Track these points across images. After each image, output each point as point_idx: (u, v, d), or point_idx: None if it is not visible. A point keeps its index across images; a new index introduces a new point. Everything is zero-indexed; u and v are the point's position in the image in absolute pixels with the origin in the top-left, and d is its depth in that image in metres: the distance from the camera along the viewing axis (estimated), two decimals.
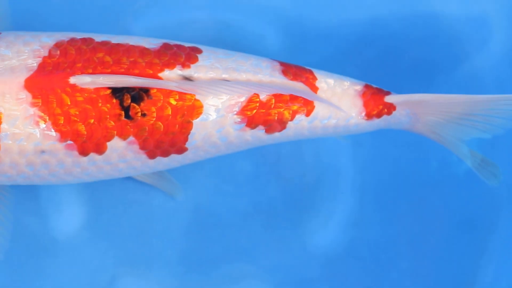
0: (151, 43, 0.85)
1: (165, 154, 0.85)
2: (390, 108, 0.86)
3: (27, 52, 0.82)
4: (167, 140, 0.84)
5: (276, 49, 0.98)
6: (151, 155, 0.84)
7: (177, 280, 0.95)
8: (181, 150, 0.85)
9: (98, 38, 0.85)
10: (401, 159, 1.02)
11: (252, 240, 0.97)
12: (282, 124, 0.84)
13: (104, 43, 0.84)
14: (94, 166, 0.84)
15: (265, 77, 0.84)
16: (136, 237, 0.95)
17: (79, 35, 0.85)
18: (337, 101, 0.85)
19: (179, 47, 0.86)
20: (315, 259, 0.97)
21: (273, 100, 0.83)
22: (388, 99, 0.85)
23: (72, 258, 0.94)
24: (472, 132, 0.88)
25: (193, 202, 0.97)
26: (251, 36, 0.97)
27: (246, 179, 0.98)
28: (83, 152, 0.82)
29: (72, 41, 0.83)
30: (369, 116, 0.85)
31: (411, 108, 0.86)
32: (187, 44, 0.86)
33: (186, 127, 0.83)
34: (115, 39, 0.85)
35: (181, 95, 0.82)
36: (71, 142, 0.81)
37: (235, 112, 0.83)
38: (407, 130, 0.88)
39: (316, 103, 0.84)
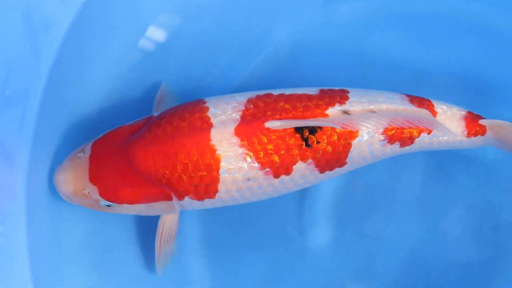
0: (312, 91, 0.95)
1: (331, 168, 0.95)
2: (483, 129, 0.97)
3: (230, 109, 0.92)
4: (334, 158, 0.94)
5: None
6: (322, 170, 0.95)
7: None
8: (342, 164, 0.95)
9: (275, 92, 0.94)
10: None
11: (448, 283, 1.02)
12: (411, 140, 0.95)
13: (281, 95, 0.94)
14: (282, 184, 0.94)
15: (399, 106, 0.95)
16: (365, 260, 1.03)
17: (261, 92, 0.95)
18: (448, 122, 0.96)
19: (332, 90, 0.95)
20: None
21: (405, 125, 0.95)
22: (481, 122, 0.96)
23: (315, 265, 1.03)
24: None
25: (409, 248, 1.04)
26: None
27: (454, 239, 1.04)
28: (276, 175, 0.93)
29: (258, 97, 0.94)
30: (469, 135, 0.97)
31: (495, 131, 0.97)
32: (335, 88, 0.96)
33: (347, 147, 0.94)
34: (287, 91, 0.95)
35: (345, 128, 0.93)
36: (268, 169, 0.92)
37: (380, 133, 0.94)
38: (499, 148, 0.99)
39: (436, 128, 0.95)
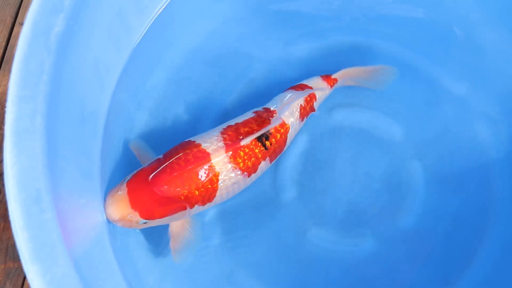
0: (249, 115, 0.96)
1: (276, 156, 0.97)
2: (335, 80, 1.02)
3: (214, 141, 0.92)
4: (279, 150, 0.97)
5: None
6: (271, 160, 0.96)
7: (336, 234, 1.03)
8: (281, 151, 0.98)
9: (231, 123, 0.95)
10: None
11: (372, 218, 1.02)
12: (311, 109, 1.00)
13: (237, 124, 0.95)
14: (250, 180, 0.95)
15: (297, 95, 0.97)
16: (319, 209, 1.04)
17: (224, 125, 0.95)
18: (318, 85, 1.01)
19: (259, 111, 0.97)
20: None
21: (305, 103, 0.98)
22: (333, 76, 1.02)
23: (287, 214, 1.04)
24: (371, 83, 1.05)
25: (346, 199, 1.04)
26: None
27: (374, 191, 1.05)
28: (249, 175, 0.95)
29: (224, 129, 0.94)
30: (331, 86, 1.02)
31: (343, 77, 1.03)
32: (259, 108, 0.97)
33: (285, 139, 0.96)
34: (238, 120, 0.95)
35: (282, 126, 0.96)
36: (246, 173, 0.93)
37: (297, 118, 0.97)
38: (351, 84, 1.05)
39: (316, 92, 1.00)
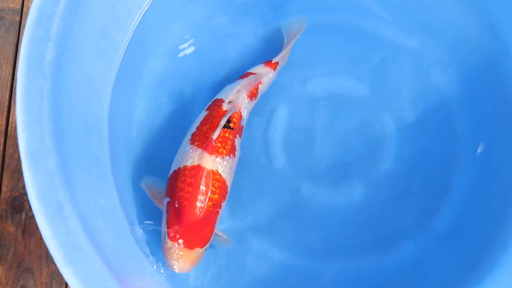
0: (204, 114, 0.97)
1: (242, 129, 0.98)
2: (277, 63, 1.02)
3: (192, 153, 0.92)
4: (240, 125, 0.97)
5: None
6: (240, 135, 0.98)
7: (328, 189, 1.04)
8: (244, 125, 0.99)
9: (193, 129, 0.95)
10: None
11: (356, 169, 1.05)
12: (257, 91, 0.99)
13: (198, 128, 0.95)
14: (237, 158, 0.97)
15: (243, 82, 0.99)
16: (308, 169, 1.04)
17: (188, 136, 0.95)
18: (262, 71, 1.01)
19: (211, 105, 0.98)
20: None
21: (253, 88, 0.99)
22: (273, 60, 1.02)
23: (280, 178, 1.04)
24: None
25: (331, 157, 1.06)
26: None
27: (354, 147, 1.07)
28: (234, 155, 0.96)
29: (190, 139, 0.95)
30: (274, 69, 1.02)
31: (282, 58, 1.03)
32: (209, 102, 0.98)
33: (241, 116, 0.97)
34: (196, 123, 0.96)
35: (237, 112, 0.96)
36: (231, 154, 0.94)
37: (245, 99, 0.97)
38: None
39: (262, 78, 1.00)
